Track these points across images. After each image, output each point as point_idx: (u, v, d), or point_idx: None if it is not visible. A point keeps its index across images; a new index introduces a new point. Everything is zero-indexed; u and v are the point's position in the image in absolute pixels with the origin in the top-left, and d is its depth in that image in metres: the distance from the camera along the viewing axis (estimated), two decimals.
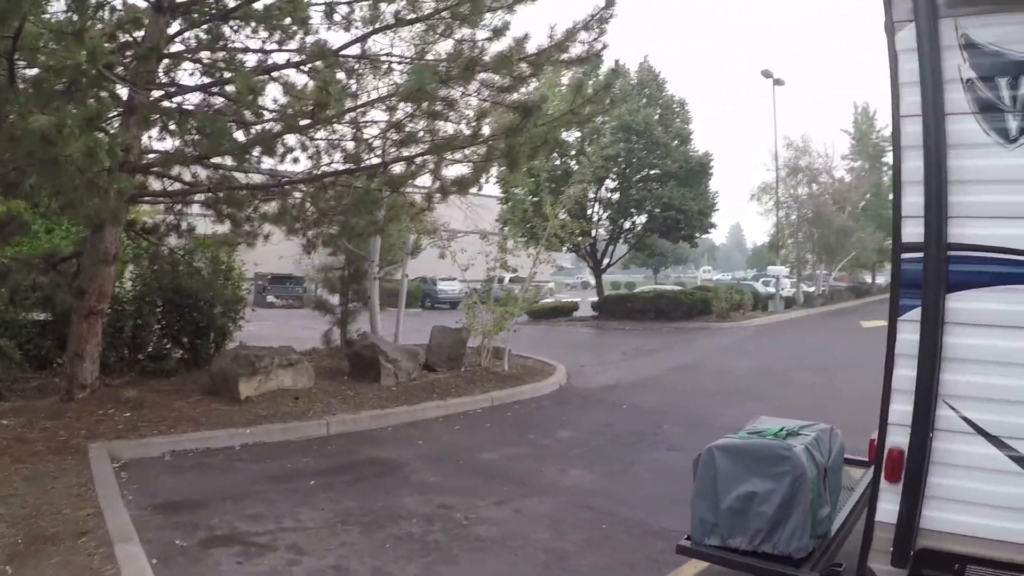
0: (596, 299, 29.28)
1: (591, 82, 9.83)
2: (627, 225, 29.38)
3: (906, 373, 2.84)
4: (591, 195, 25.97)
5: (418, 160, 9.04)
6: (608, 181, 27.08)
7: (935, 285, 2.74)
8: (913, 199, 2.83)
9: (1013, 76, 2.81)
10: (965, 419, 2.79)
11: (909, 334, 2.83)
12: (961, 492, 2.80)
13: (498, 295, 14.41)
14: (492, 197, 22.45)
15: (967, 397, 2.78)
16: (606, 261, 30.62)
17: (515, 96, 8.89)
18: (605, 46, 8.48)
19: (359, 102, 8.86)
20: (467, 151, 9.32)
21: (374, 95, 9.12)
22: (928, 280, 2.76)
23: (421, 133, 8.90)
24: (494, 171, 10.85)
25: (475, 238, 14.90)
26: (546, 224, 14.81)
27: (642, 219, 29.05)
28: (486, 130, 9.10)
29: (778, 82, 34.69)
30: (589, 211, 27.40)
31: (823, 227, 36.71)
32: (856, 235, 38.67)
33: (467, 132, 9.04)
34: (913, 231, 2.83)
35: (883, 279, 62.78)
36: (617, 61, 9.31)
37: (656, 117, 27.45)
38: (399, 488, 6.95)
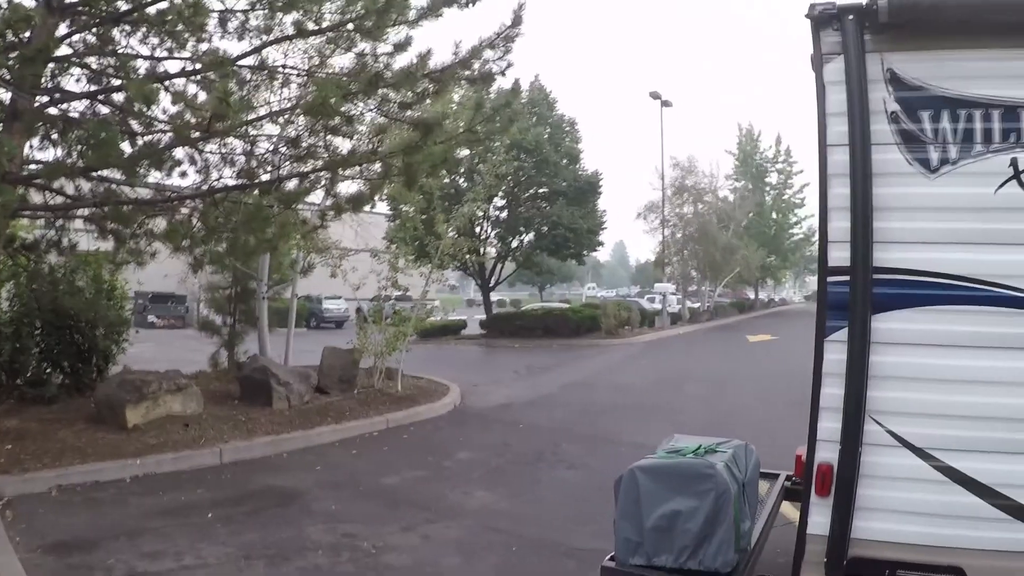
0: (484, 317, 29.44)
1: (488, 100, 9.84)
2: (515, 243, 29.79)
3: (833, 391, 3.01)
4: (480, 213, 26.14)
5: (313, 176, 8.83)
6: (497, 199, 27.33)
7: (862, 307, 2.93)
8: (839, 224, 3.01)
9: (935, 110, 3.04)
10: (891, 433, 2.99)
11: (836, 354, 3.01)
12: (889, 502, 3.00)
13: (387, 314, 14.20)
14: (381, 215, 22.25)
15: (892, 412, 2.98)
16: (494, 279, 30.87)
17: (415, 113, 8.82)
18: (510, 64, 8.54)
19: (255, 115, 8.52)
20: (363, 168, 9.19)
21: (268, 108, 8.86)
22: (855, 302, 2.94)
23: (318, 148, 8.71)
24: (387, 189, 10.76)
25: (365, 256, 14.72)
26: (438, 242, 14.79)
27: (530, 237, 29.49)
28: (384, 147, 8.98)
29: (666, 103, 36.01)
30: (478, 229, 27.54)
31: (708, 245, 38.25)
32: (740, 252, 40.52)
33: (365, 148, 8.89)
34: (839, 255, 3.01)
35: (765, 295, 66.14)
36: (517, 81, 9.29)
37: (546, 136, 27.99)
38: (301, 518, 6.71)
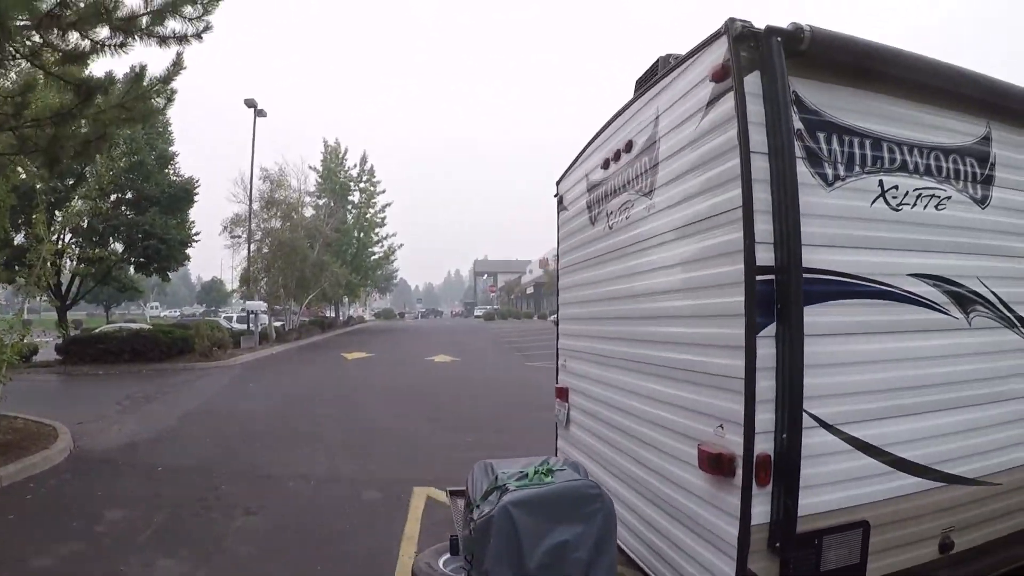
0: (60, 341, 25.51)
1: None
2: (99, 254, 26.34)
3: (767, 384, 3.29)
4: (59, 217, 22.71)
5: None
6: (78, 203, 23.92)
7: (796, 303, 3.28)
8: (764, 227, 3.32)
9: (827, 133, 3.58)
10: (811, 415, 3.38)
11: (767, 348, 3.29)
12: (812, 478, 3.37)
13: None
14: None
15: (810, 397, 3.36)
16: (70, 297, 27.04)
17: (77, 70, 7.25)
18: (208, 27, 7.42)
19: None
20: None
21: None
22: (788, 299, 3.28)
23: None
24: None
25: None
26: (39, 248, 12.48)
27: (118, 248, 26.40)
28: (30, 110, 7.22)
29: (260, 113, 34.95)
30: (55, 237, 23.62)
31: (298, 261, 37.91)
32: (330, 269, 40.83)
33: (8, 108, 7.09)
34: (765, 255, 3.31)
35: (342, 313, 67.50)
36: (179, 53, 7.97)
37: (143, 135, 25.27)
38: None
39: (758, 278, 3.28)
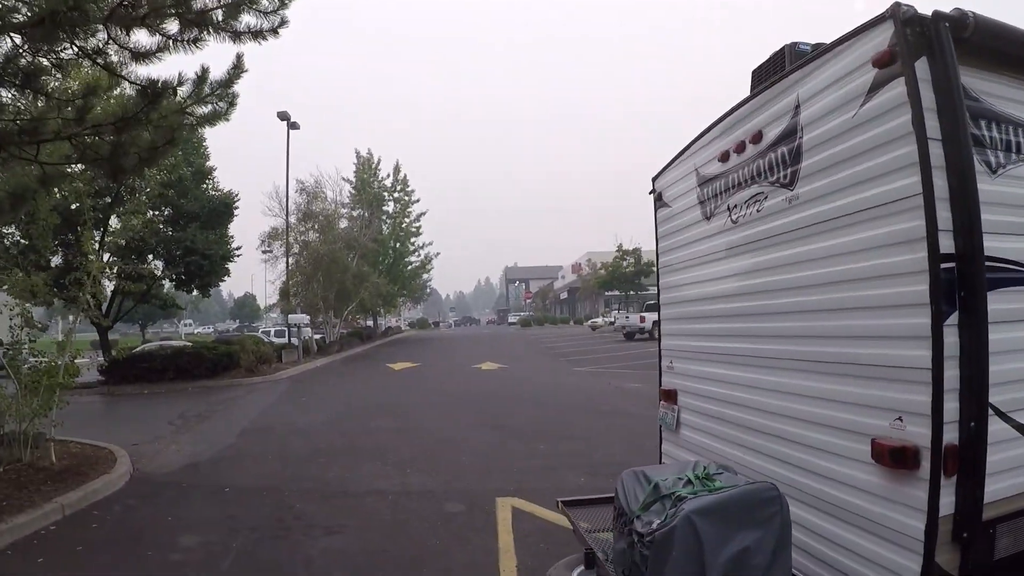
0: (102, 361, 25.95)
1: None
2: (144, 270, 26.86)
3: (952, 373, 3.35)
4: (96, 237, 23.05)
5: None
6: (114, 220, 24.27)
7: (981, 289, 3.38)
8: (943, 214, 3.39)
9: (987, 120, 3.72)
10: (988, 404, 3.46)
11: (952, 337, 3.36)
12: (987, 466, 3.44)
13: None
14: None
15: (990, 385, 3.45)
16: (112, 316, 27.50)
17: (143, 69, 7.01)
18: (284, 22, 7.28)
19: None
20: (42, 145, 7.12)
21: None
22: (973, 287, 3.37)
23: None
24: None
25: None
26: (89, 265, 12.67)
27: (158, 264, 26.83)
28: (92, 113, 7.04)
29: (293, 125, 35.31)
30: (92, 256, 24.08)
31: (340, 273, 38.22)
32: (371, 279, 41.14)
33: (64, 113, 6.89)
34: (945, 243, 3.37)
35: (384, 323, 67.97)
36: (240, 55, 7.67)
37: (179, 153, 25.71)
38: None
39: (942, 266, 3.32)
